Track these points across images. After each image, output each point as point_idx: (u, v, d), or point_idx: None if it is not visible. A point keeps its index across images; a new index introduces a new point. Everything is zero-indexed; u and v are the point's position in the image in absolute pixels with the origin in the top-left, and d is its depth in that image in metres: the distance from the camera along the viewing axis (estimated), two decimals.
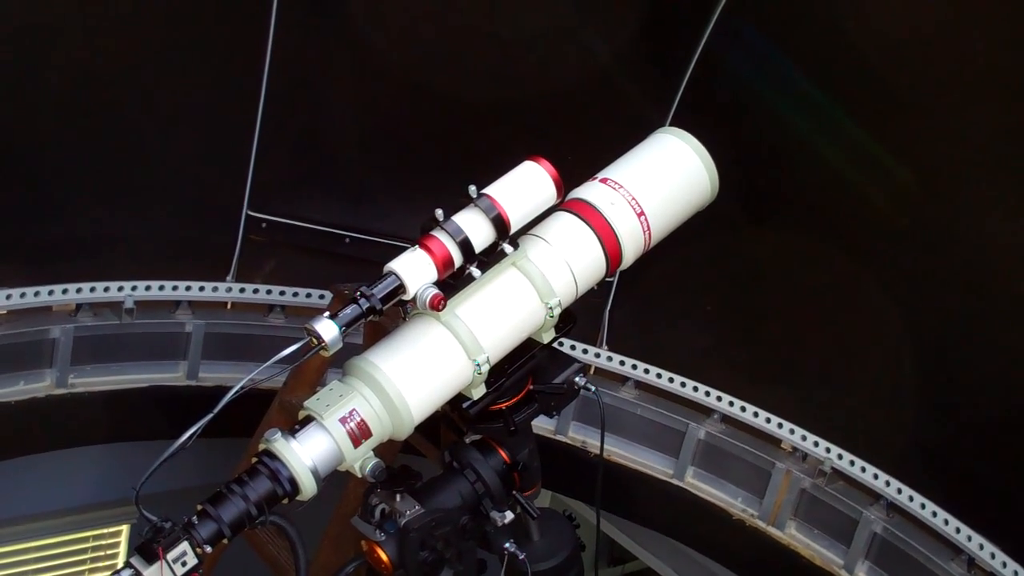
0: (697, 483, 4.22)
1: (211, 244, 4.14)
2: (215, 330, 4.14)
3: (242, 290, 4.16)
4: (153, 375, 4.06)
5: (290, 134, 4.09)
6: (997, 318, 3.55)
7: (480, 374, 2.35)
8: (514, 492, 2.55)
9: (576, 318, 2.55)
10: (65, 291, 3.83)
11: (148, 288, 3.97)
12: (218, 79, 3.89)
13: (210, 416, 2.12)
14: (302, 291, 4.20)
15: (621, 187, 2.53)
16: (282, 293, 4.19)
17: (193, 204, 4.07)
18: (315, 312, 4.06)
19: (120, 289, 3.92)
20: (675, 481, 4.23)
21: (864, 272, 3.78)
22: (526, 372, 2.51)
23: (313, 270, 4.24)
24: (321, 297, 4.17)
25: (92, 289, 3.88)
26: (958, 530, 3.63)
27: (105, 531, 4.62)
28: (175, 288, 4.03)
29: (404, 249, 2.30)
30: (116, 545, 4.69)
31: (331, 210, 4.21)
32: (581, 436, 4.29)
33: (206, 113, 3.92)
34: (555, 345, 2.58)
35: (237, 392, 2.11)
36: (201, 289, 4.08)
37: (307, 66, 3.97)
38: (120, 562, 4.70)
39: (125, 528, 4.65)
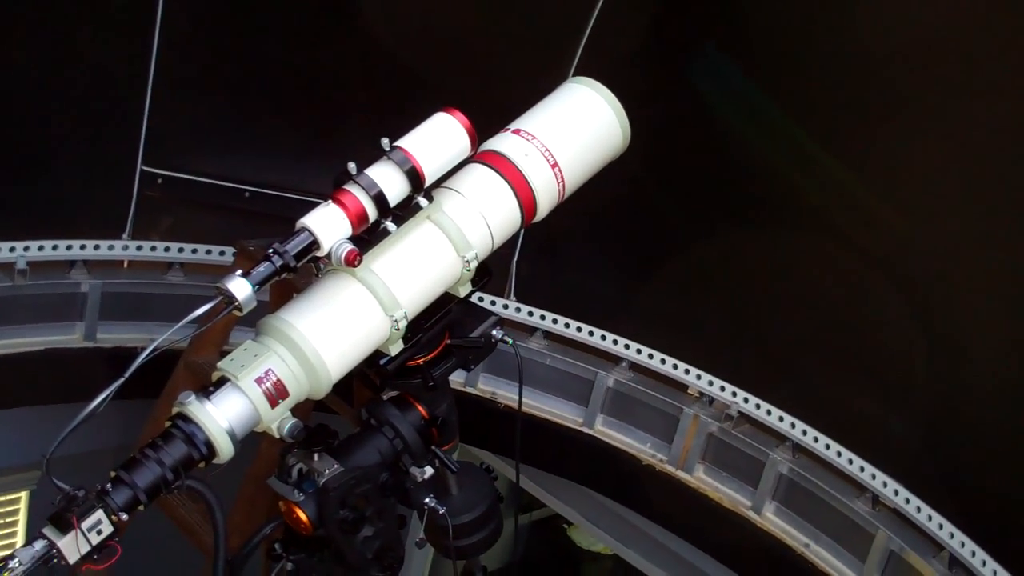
0: (607, 430, 4.26)
1: (105, 201, 4.02)
2: (112, 290, 4.02)
3: (139, 248, 4.04)
4: (49, 337, 3.93)
5: (185, 85, 3.97)
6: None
7: (397, 330, 2.31)
8: (433, 447, 2.53)
9: (492, 271, 2.53)
10: None
11: (41, 248, 3.84)
12: (106, 26, 3.74)
13: (120, 382, 2.04)
14: (202, 248, 4.10)
15: (534, 138, 2.50)
16: (181, 250, 4.09)
17: (85, 160, 3.94)
18: (216, 270, 4.00)
19: (12, 250, 3.78)
20: (585, 429, 4.26)
21: (762, 213, 3.82)
22: (443, 327, 2.48)
23: (212, 226, 4.14)
24: (222, 254, 4.08)
25: None
26: (862, 469, 3.71)
27: (3, 498, 4.48)
28: (69, 248, 3.90)
29: (307, 203, 2.24)
30: (16, 513, 4.57)
31: (230, 164, 4.11)
32: (491, 387, 4.30)
33: (95, 65, 3.77)
34: (471, 299, 2.56)
35: (150, 354, 2.04)
36: (96, 248, 3.96)
37: (201, 12, 3.85)
38: (19, 530, 4.61)
39: (24, 495, 4.53)
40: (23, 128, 3.73)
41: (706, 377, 4.06)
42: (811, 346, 3.91)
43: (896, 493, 3.61)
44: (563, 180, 2.52)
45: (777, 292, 3.92)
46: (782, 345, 3.99)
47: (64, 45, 3.69)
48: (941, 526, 3.47)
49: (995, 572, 3.30)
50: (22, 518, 4.57)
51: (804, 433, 3.86)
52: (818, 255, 3.74)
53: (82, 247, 3.93)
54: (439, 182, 2.38)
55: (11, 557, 1.92)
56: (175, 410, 2.11)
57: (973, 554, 3.37)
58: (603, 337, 4.20)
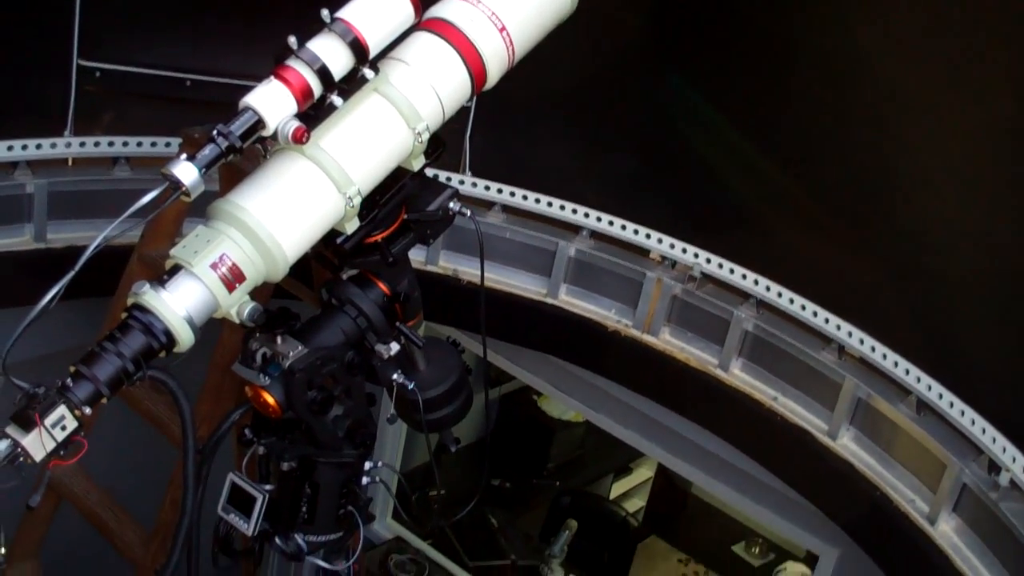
0: (571, 299, 4.25)
1: (44, 99, 3.90)
2: (58, 189, 3.93)
3: (82, 144, 3.94)
4: None
5: None
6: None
7: (352, 207, 2.27)
8: (397, 324, 2.52)
9: (445, 143, 2.48)
10: None
11: None
12: None
13: (70, 275, 2.00)
14: (146, 140, 4.00)
15: (480, 2, 2.43)
16: (125, 144, 3.99)
17: (19, 59, 3.80)
18: (163, 162, 3.87)
19: None
20: (549, 300, 4.25)
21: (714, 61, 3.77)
22: (399, 202, 2.44)
23: (155, 118, 4.04)
24: (168, 145, 3.99)
25: None
26: (827, 320, 3.73)
27: None
28: (10, 148, 3.80)
29: (251, 88, 2.16)
30: None
31: (168, 53, 3.99)
32: (452, 264, 4.26)
33: None
34: (426, 173, 2.51)
35: (96, 248, 1.99)
36: (38, 147, 3.85)
37: None
38: None
39: None
40: None
41: (667, 240, 4.05)
42: (771, 201, 3.91)
43: (862, 342, 3.64)
44: (512, 45, 2.46)
45: (731, 148, 3.89)
46: (741, 203, 3.98)
47: None
48: (908, 371, 3.51)
49: (963, 412, 3.35)
50: None
51: (767, 289, 3.87)
52: (779, 104, 3.71)
53: (24, 147, 3.82)
54: (384, 53, 2.31)
55: None
56: (130, 301, 2.07)
57: (940, 396, 3.41)
58: (562, 207, 4.17)
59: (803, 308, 3.81)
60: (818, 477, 3.84)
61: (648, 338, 4.14)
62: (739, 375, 4.00)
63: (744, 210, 3.99)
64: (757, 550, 8.03)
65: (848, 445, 3.72)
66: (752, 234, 3.99)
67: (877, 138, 3.55)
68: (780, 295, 3.85)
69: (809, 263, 3.85)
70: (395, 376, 2.54)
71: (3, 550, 3.54)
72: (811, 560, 4.54)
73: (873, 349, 3.60)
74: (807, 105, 3.70)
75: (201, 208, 2.22)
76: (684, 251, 4.04)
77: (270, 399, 2.32)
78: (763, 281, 3.89)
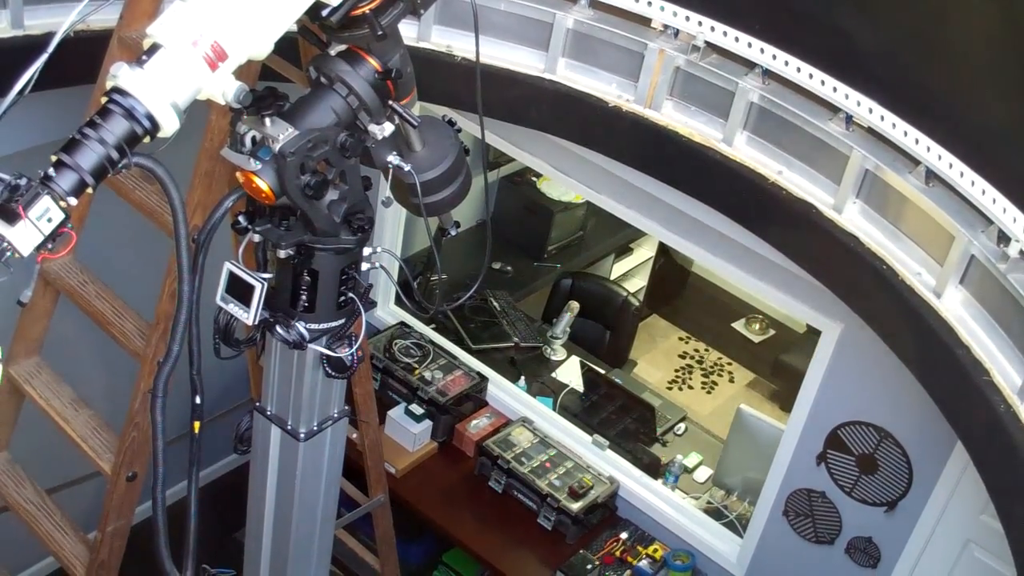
0: (570, 74, 4.10)
1: None
2: None
3: None
4: None
5: None
6: None
7: None
8: (390, 102, 2.41)
9: None
10: None
11: None
12: None
13: (43, 58, 1.89)
14: None
15: None
16: None
17: None
18: None
19: None
20: (547, 75, 4.09)
21: None
22: None
23: None
24: None
25: None
26: (835, 89, 3.60)
27: None
28: None
29: None
30: None
31: None
32: (445, 40, 4.10)
33: None
34: None
35: (70, 27, 1.87)
36: None
37: None
38: None
39: None
40: None
41: (670, 8, 3.86)
42: None
43: (870, 111, 3.52)
44: None
45: None
46: None
47: None
48: (917, 140, 3.40)
49: (973, 182, 3.27)
50: None
51: (774, 58, 3.72)
52: None
53: None
54: None
55: None
56: (108, 84, 1.96)
57: (951, 166, 3.32)
58: None
59: (810, 77, 3.66)
60: (823, 251, 3.79)
61: (650, 113, 4.01)
62: (743, 149, 3.88)
63: None
64: (758, 326, 8.14)
65: (854, 218, 3.66)
66: (758, 2, 3.82)
67: None
68: (787, 64, 3.70)
69: (816, 29, 3.70)
70: (390, 158, 2.46)
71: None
72: (813, 335, 4.55)
73: (882, 118, 3.48)
74: None
75: None
76: (687, 19, 3.86)
77: (262, 184, 2.24)
78: (769, 49, 3.73)
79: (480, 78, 2.94)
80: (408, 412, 5.32)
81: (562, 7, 4.02)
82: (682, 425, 6.15)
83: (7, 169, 1.89)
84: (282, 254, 2.46)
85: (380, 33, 2.28)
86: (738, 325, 8.16)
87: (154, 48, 1.98)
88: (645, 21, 3.97)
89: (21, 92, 1.89)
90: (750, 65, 3.81)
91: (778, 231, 3.92)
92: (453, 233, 2.75)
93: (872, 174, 3.58)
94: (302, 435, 2.85)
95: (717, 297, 8.21)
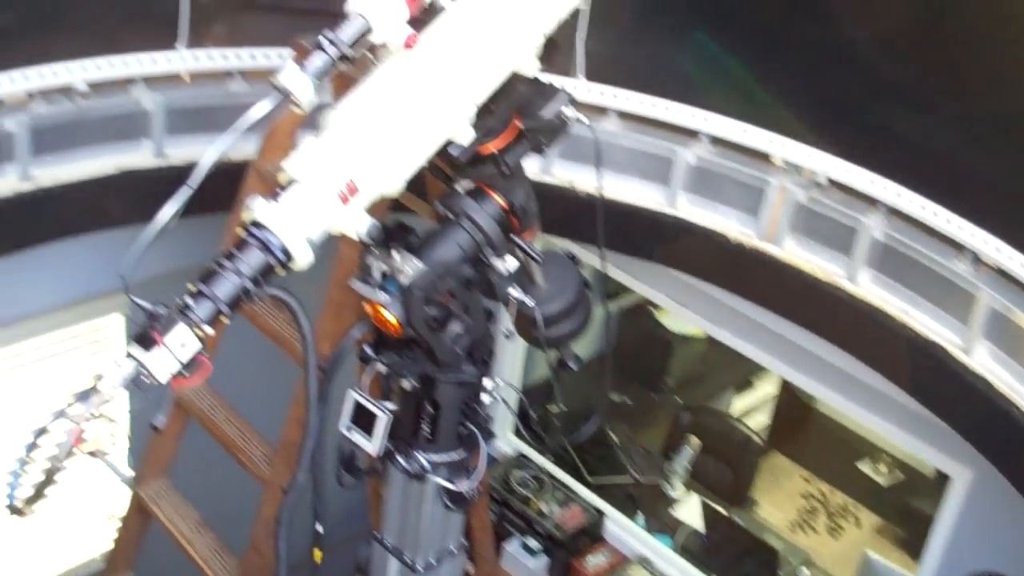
0: (691, 209, 4.13)
1: (157, 12, 3.90)
2: (175, 104, 3.93)
3: (196, 58, 3.94)
4: (118, 158, 3.87)
5: None
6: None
7: (465, 116, 2.20)
8: (514, 237, 2.45)
9: (559, 44, 2.38)
10: (13, 81, 3.60)
11: (99, 67, 3.74)
12: None
13: (188, 194, 1.97)
14: (260, 52, 3.98)
15: None
16: (239, 57, 3.98)
17: None
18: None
19: (68, 71, 3.69)
20: (668, 210, 4.14)
21: None
22: (512, 108, 2.36)
23: (270, 29, 4.01)
24: (281, 57, 3.96)
25: (40, 75, 3.65)
26: (961, 227, 3.56)
27: (98, 323, 4.54)
28: (126, 63, 3.80)
29: None
30: (112, 336, 4.63)
31: None
32: (568, 175, 4.18)
33: None
34: (539, 78, 2.42)
35: (211, 164, 1.96)
36: (154, 62, 3.86)
37: None
38: (118, 352, 4.67)
39: (119, 317, 4.58)
40: None
41: (791, 144, 3.89)
42: (899, 101, 3.72)
43: (998, 250, 3.47)
44: None
45: (855, 44, 3.70)
46: (868, 104, 3.79)
47: None
48: None
49: None
50: (118, 340, 4.63)
51: (898, 195, 3.71)
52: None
53: (139, 62, 3.83)
54: None
55: (99, 378, 1.89)
56: (245, 217, 2.04)
57: None
58: (680, 111, 4.03)
59: (935, 214, 3.64)
60: (951, 394, 3.69)
61: (771, 248, 4.01)
62: (867, 286, 3.85)
63: (871, 111, 3.81)
64: (885, 468, 7.87)
65: (984, 360, 3.57)
66: (880, 137, 3.82)
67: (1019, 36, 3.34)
68: (911, 201, 3.68)
69: (941, 167, 3.68)
70: (513, 292, 2.49)
71: (132, 472, 3.63)
72: (944, 479, 4.40)
73: (1011, 258, 3.42)
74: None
75: (316, 121, 2.17)
76: (809, 156, 3.88)
77: (389, 316, 2.29)
78: (892, 187, 3.72)
79: (602, 212, 2.97)
80: (524, 546, 5.27)
81: (683, 143, 4.07)
82: (806, 570, 5.96)
83: (143, 294, 1.97)
84: (406, 385, 2.49)
85: (506, 171, 2.34)
86: (864, 466, 7.91)
87: (290, 183, 2.06)
88: (766, 157, 4.00)
89: (165, 227, 1.97)
90: (873, 202, 3.79)
91: (903, 371, 3.83)
92: (574, 367, 2.75)
93: (1001, 315, 3.50)
94: (420, 568, 2.84)
95: (842, 435, 7.99)
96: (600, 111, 4.14)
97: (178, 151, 3.94)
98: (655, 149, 4.11)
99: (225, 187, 3.34)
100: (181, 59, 3.91)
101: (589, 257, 3.51)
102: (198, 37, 3.92)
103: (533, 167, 4.07)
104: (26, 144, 3.65)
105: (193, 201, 2.01)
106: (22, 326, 4.24)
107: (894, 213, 3.77)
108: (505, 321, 2.60)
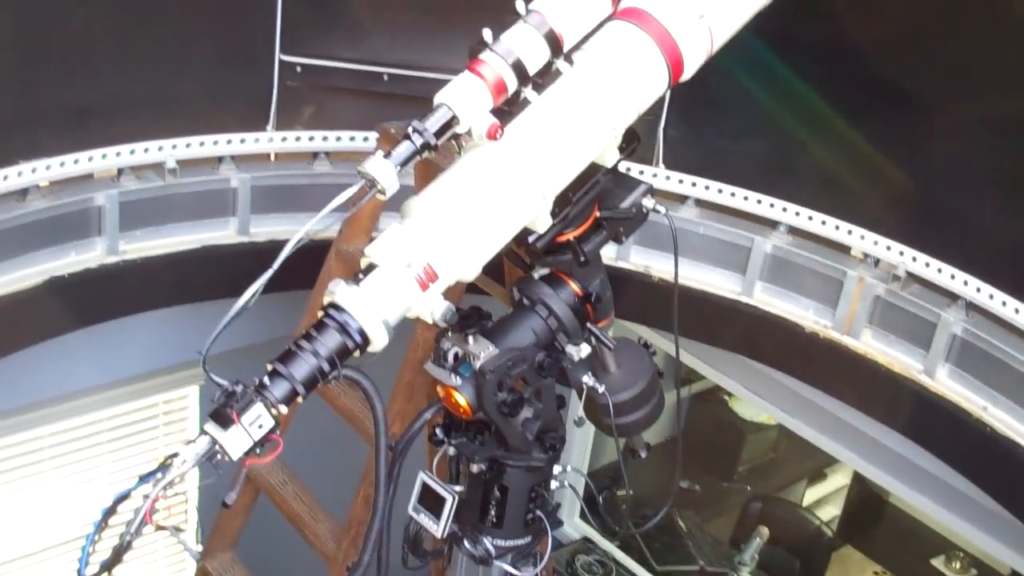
0: (767, 298, 4.12)
1: (247, 94, 4.02)
2: (261, 183, 4.05)
3: (284, 139, 4.05)
4: (204, 234, 3.98)
5: None
6: None
7: (545, 205, 2.22)
8: (588, 325, 2.46)
9: (640, 137, 2.40)
10: (104, 156, 3.73)
11: (188, 145, 3.86)
12: None
13: (270, 273, 2.01)
14: (345, 135, 4.07)
15: None
16: (325, 139, 4.08)
17: (224, 54, 3.93)
18: (362, 156, 3.94)
19: (160, 149, 3.81)
20: (744, 298, 4.13)
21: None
22: (591, 198, 2.38)
23: (354, 112, 4.11)
24: (366, 140, 4.05)
25: (132, 152, 3.77)
26: None
27: (174, 395, 4.62)
28: (216, 143, 3.92)
29: (447, 82, 2.14)
30: (186, 408, 4.70)
31: (366, 47, 4.05)
32: (644, 260, 4.19)
33: None
34: (619, 168, 2.44)
35: (295, 245, 2.00)
36: (242, 141, 3.97)
37: None
38: (192, 425, 4.74)
39: (194, 390, 4.65)
40: (161, 25, 3.72)
41: (870, 237, 3.87)
42: (980, 195, 3.69)
43: None
44: (711, 33, 2.36)
45: (939, 138, 3.68)
46: (949, 197, 3.77)
47: None
48: None
49: None
50: (193, 413, 4.71)
51: (978, 290, 3.66)
52: (992, 87, 3.50)
53: (228, 142, 3.94)
54: (579, 44, 2.25)
55: (175, 455, 1.93)
56: (325, 300, 2.07)
57: None
58: (759, 201, 4.04)
59: (1016, 312, 3.58)
60: None
61: (848, 340, 3.97)
62: (946, 382, 3.79)
63: (952, 205, 3.78)
64: (959, 565, 7.66)
65: None
66: (961, 231, 3.78)
67: None
68: (992, 297, 3.64)
69: (1023, 262, 3.63)
70: (585, 378, 2.49)
71: (200, 546, 3.67)
72: None
73: None
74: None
75: (397, 202, 2.21)
76: (888, 248, 3.86)
77: (461, 400, 2.30)
78: (973, 282, 3.68)
79: (677, 300, 2.98)
80: None
81: (761, 232, 4.07)
82: None
83: (219, 367, 2.01)
84: (474, 468, 2.49)
85: (583, 260, 2.36)
86: (938, 562, 7.71)
87: (370, 268, 2.09)
88: (845, 249, 3.98)
89: (244, 307, 2.01)
90: (953, 296, 3.75)
91: (981, 469, 3.76)
92: (643, 455, 2.74)
93: None
94: None
95: (916, 530, 7.80)
96: (679, 198, 4.16)
97: (262, 228, 4.02)
98: (733, 237, 4.12)
99: (306, 264, 3.40)
100: (269, 140, 4.01)
101: (663, 342, 3.52)
102: (287, 118, 4.02)
103: (610, 252, 4.10)
104: (115, 218, 3.76)
105: (272, 279, 2.05)
106: (101, 395, 4.32)
107: (974, 307, 3.72)
108: (576, 407, 2.60)
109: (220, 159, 3.99)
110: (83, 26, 3.61)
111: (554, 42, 2.16)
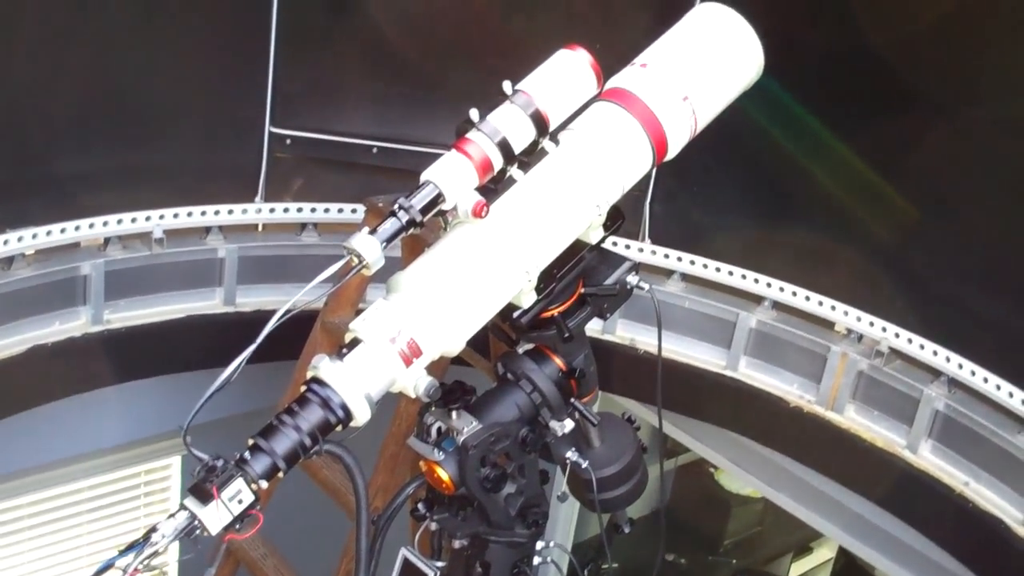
0: (751, 373, 4.14)
1: (236, 165, 4.05)
2: (248, 253, 4.06)
3: (272, 210, 4.07)
4: (189, 304, 3.99)
5: (307, 43, 3.96)
6: None
7: (529, 281, 2.24)
8: (572, 400, 2.46)
9: (624, 215, 2.43)
10: (91, 225, 3.75)
11: (176, 216, 3.88)
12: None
13: (252, 348, 2.02)
14: (333, 207, 4.10)
15: (662, 71, 2.38)
16: (313, 210, 4.10)
17: (213, 125, 3.96)
18: (349, 228, 4.00)
19: (148, 219, 3.83)
20: (729, 372, 4.14)
21: (918, 133, 3.62)
22: (576, 275, 2.40)
23: (342, 184, 4.15)
24: (354, 211, 4.08)
25: (119, 221, 3.79)
26: (1023, 402, 3.53)
27: (156, 465, 4.59)
28: (203, 214, 3.94)
29: (433, 156, 2.16)
30: (168, 478, 4.68)
31: (356, 120, 4.09)
32: (629, 334, 4.21)
33: (218, 27, 3.79)
34: (604, 244, 2.47)
35: (279, 320, 2.01)
36: (230, 212, 3.99)
37: None
38: (172, 496, 4.71)
39: (176, 460, 4.63)
40: (150, 96, 3.76)
41: (853, 312, 3.90)
42: (962, 273, 3.73)
43: None
44: (695, 114, 2.40)
45: (919, 219, 3.73)
46: (932, 274, 3.81)
47: (188, 10, 3.71)
48: None
49: None
50: (174, 483, 4.68)
51: (960, 367, 3.69)
52: (970, 175, 3.55)
53: (216, 212, 3.96)
54: (565, 124, 2.29)
55: (154, 530, 1.92)
56: (309, 373, 2.08)
57: None
58: (743, 276, 4.07)
59: (998, 388, 3.61)
60: (1013, 569, 3.61)
61: (832, 415, 3.99)
62: (928, 457, 3.81)
63: (934, 283, 3.82)
64: None
65: None
66: (944, 308, 3.82)
67: None
68: (973, 373, 3.67)
69: (1004, 339, 3.66)
70: (569, 454, 2.49)
71: None
72: None
73: None
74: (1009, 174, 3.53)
75: (383, 273, 2.23)
76: (871, 324, 3.89)
77: (443, 475, 2.30)
78: (955, 358, 3.71)
79: (662, 374, 2.98)
80: None
81: (745, 307, 4.09)
82: None
83: (201, 437, 2.00)
84: (456, 544, 2.49)
85: (567, 335, 2.37)
86: None
87: (355, 342, 2.10)
88: (828, 324, 4.00)
89: (226, 380, 2.01)
90: (935, 372, 3.77)
91: (965, 545, 3.76)
92: (626, 530, 2.73)
93: None
94: None
95: None
96: (665, 272, 4.19)
97: (248, 299, 4.03)
98: (717, 312, 4.14)
99: (290, 335, 3.39)
100: (258, 211, 4.03)
101: (648, 415, 3.52)
102: (275, 188, 4.04)
103: (595, 325, 4.11)
104: (100, 288, 3.77)
105: (257, 349, 2.05)
106: (82, 464, 4.30)
107: (956, 383, 3.74)
108: (560, 483, 2.60)
109: (208, 229, 4.00)
110: (73, 95, 3.64)
111: (540, 122, 2.19)
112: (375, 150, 4.08)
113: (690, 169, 3.86)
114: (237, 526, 1.96)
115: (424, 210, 2.08)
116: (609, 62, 2.35)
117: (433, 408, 2.31)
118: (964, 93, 3.56)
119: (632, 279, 2.45)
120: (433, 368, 2.20)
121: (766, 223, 4.13)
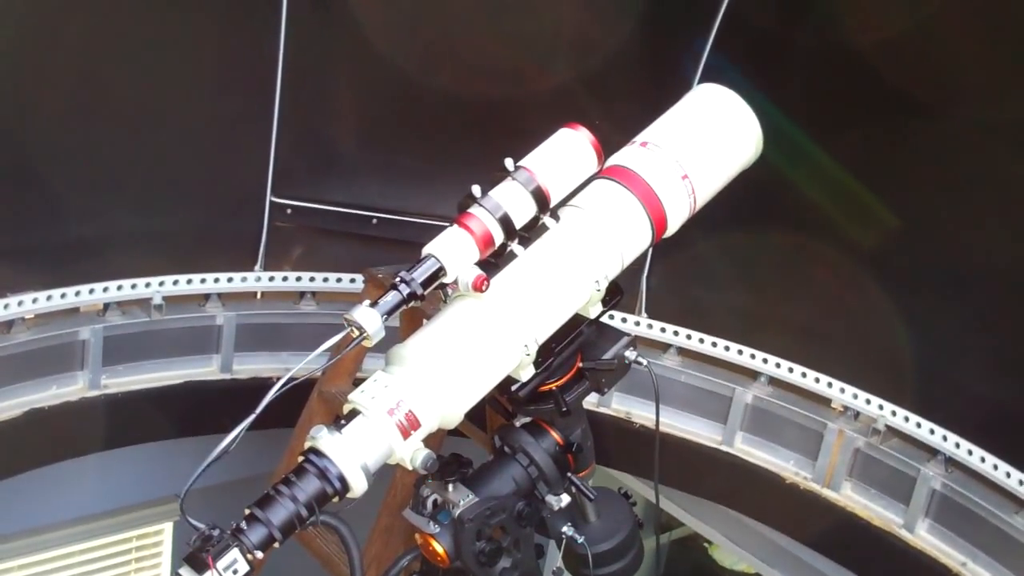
0: (747, 448, 4.13)
1: (236, 233, 4.07)
2: (246, 321, 4.07)
3: (271, 279, 4.09)
4: (187, 371, 3.99)
5: (309, 113, 4.00)
6: None
7: (528, 355, 2.25)
8: (569, 474, 2.46)
9: (623, 290, 2.45)
10: (92, 291, 3.77)
11: (176, 283, 3.90)
12: (230, 65, 3.80)
13: (249, 420, 2.03)
14: (332, 276, 4.12)
15: (662, 149, 2.42)
16: (312, 279, 4.12)
17: (215, 194, 3.99)
18: (347, 297, 4.03)
19: (147, 286, 3.85)
20: (724, 448, 4.14)
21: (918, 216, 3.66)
22: (575, 349, 2.41)
23: (342, 254, 4.16)
24: (352, 281, 4.09)
25: (119, 287, 3.81)
26: (1021, 482, 3.52)
27: (148, 530, 4.57)
28: (203, 281, 3.96)
29: (434, 227, 2.20)
30: (160, 544, 4.65)
31: (356, 191, 4.12)
32: (625, 407, 4.21)
33: (221, 100, 3.83)
34: (603, 319, 2.48)
35: (278, 392, 2.02)
36: (229, 280, 4.01)
37: (321, 43, 3.88)
38: (164, 561, 4.68)
39: (168, 526, 4.60)
40: (152, 163, 3.79)
41: (850, 390, 3.91)
42: (961, 352, 3.74)
43: None
44: (694, 192, 2.43)
45: (915, 296, 3.75)
46: (931, 353, 3.81)
47: (192, 83, 3.75)
48: None
49: None
50: (166, 549, 4.65)
51: (957, 446, 3.69)
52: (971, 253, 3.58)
53: (215, 280, 3.98)
54: (565, 200, 2.32)
55: None
56: (307, 444, 2.08)
57: None
58: (740, 352, 4.08)
59: (995, 468, 3.61)
60: None
61: (828, 493, 3.98)
62: (925, 537, 3.80)
63: (931, 360, 3.83)
64: None
65: None
66: (941, 387, 3.82)
67: None
68: (971, 452, 3.67)
69: (1002, 419, 3.66)
70: (565, 528, 2.48)
71: None
72: None
73: None
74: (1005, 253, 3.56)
75: (382, 344, 2.24)
76: (868, 402, 3.90)
77: (439, 548, 2.29)
78: (952, 437, 3.71)
79: (658, 448, 2.98)
80: None
81: (742, 382, 4.10)
82: None
83: (196, 504, 2.00)
84: None
85: (565, 409, 2.38)
86: None
87: (353, 413, 2.11)
88: (825, 401, 4.01)
89: (225, 450, 2.01)
90: (932, 451, 3.77)
91: None
92: None
93: None
94: None
95: None
96: (662, 346, 4.20)
97: (245, 366, 4.03)
98: (714, 387, 4.15)
99: (287, 403, 3.39)
100: (257, 279, 4.05)
101: (644, 489, 3.51)
102: (275, 257, 4.07)
103: (591, 398, 4.10)
104: (98, 353, 3.78)
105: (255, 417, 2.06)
106: (74, 529, 4.27)
107: (953, 463, 3.73)
108: (555, 557, 2.59)
109: (207, 296, 4.01)
110: (75, 161, 3.67)
111: (541, 198, 2.22)
112: (375, 220, 4.11)
113: (689, 244, 3.87)
114: None
115: (425, 283, 2.10)
116: (607, 134, 2.38)
117: (430, 480, 2.31)
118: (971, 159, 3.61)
119: (630, 354, 2.46)
120: (430, 440, 2.21)
121: (761, 299, 4.16)
